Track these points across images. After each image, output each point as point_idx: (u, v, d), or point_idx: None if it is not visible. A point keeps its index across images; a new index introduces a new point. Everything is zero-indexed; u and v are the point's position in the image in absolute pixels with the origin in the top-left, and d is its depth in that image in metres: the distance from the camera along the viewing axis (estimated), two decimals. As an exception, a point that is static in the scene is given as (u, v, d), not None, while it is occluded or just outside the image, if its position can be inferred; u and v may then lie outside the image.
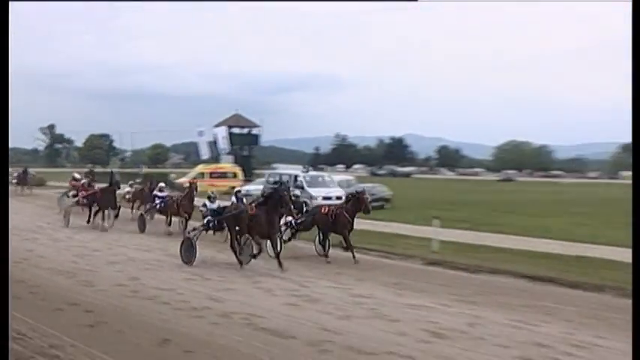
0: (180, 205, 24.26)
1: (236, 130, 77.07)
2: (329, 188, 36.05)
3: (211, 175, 49.91)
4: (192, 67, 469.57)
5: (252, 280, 14.86)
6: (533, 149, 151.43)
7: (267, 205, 16.42)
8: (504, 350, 9.39)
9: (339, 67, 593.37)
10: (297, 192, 23.41)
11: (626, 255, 15.82)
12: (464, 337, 10.06)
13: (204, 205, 19.53)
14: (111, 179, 26.46)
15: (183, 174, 55.18)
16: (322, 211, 18.87)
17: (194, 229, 18.05)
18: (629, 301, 13.13)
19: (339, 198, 30.89)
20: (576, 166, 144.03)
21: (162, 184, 27.21)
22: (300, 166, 76.72)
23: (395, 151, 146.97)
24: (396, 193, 40.65)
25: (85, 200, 26.65)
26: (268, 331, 10.08)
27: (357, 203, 18.43)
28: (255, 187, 40.61)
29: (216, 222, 17.88)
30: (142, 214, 25.69)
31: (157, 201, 25.49)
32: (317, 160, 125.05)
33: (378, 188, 38.66)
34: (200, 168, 55.99)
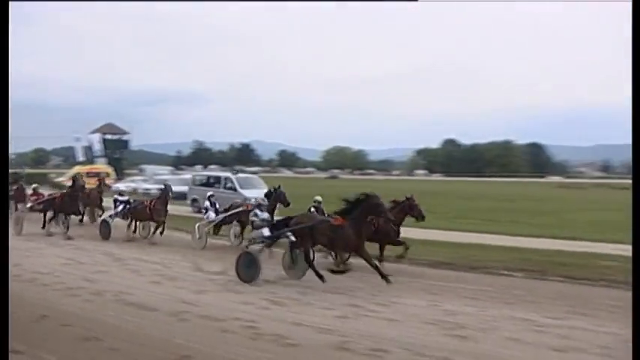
0: (154, 210, 18.60)
1: (109, 137, 76.60)
2: (261, 189, 27.98)
3: (87, 174, 47.53)
4: (71, 81, 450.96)
5: (122, 263, 14.36)
6: (353, 153, 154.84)
7: (355, 215, 11.66)
8: (327, 311, 9.51)
9: (198, 84, 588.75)
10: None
11: (416, 232, 16.32)
12: (296, 304, 10.13)
13: (255, 215, 13.32)
14: (74, 183, 20.84)
15: (63, 174, 52.93)
16: None
17: (252, 242, 12.92)
18: (422, 269, 13.62)
19: None
20: (385, 166, 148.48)
21: (122, 188, 21.67)
22: (167, 166, 75.44)
23: (243, 154, 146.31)
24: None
25: (40, 206, 20.87)
26: (135, 306, 9.74)
27: (406, 209, 13.88)
28: (126, 185, 39.18)
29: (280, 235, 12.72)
30: (104, 220, 19.48)
31: (120, 206, 19.54)
32: (179, 162, 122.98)
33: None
34: (77, 169, 53.84)
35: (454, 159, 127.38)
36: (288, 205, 15.94)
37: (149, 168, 63.59)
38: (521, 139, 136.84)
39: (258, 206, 13.67)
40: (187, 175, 44.28)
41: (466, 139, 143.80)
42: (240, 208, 17.11)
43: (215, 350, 7.40)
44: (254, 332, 8.19)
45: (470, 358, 7.18)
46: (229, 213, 17.47)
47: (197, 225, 17.60)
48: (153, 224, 18.70)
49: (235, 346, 7.57)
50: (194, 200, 29.42)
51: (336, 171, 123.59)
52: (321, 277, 11.72)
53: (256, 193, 27.02)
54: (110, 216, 19.49)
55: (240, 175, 31.67)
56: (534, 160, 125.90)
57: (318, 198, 15.80)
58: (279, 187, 16.35)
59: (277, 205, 15.96)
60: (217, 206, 18.23)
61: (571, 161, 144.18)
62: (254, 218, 13.24)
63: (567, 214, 29.94)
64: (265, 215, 13.37)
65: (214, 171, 46.98)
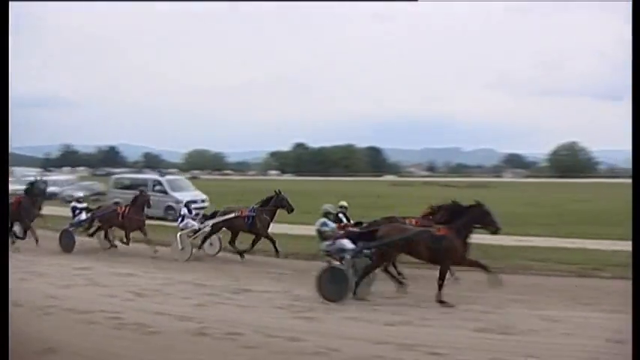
0: (127, 218, 15.19)
1: (-24, 140, 70.02)
2: (191, 192, 25.76)
3: None
4: None
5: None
6: (212, 155, 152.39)
7: (460, 224, 9.67)
8: (186, 301, 9.50)
9: (67, 88, 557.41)
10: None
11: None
12: (158, 294, 10.00)
13: (325, 224, 10.51)
14: (32, 187, 16.18)
15: None
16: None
17: (331, 256, 10.15)
18: (276, 260, 13.65)
19: (203, 201, 23.73)
20: (241, 167, 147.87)
21: (79, 194, 17.09)
22: (36, 168, 70.73)
23: (110, 157, 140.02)
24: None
25: None
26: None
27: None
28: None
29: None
30: (66, 230, 15.52)
31: (82, 215, 15.88)
32: (47, 164, 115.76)
33: (95, 185, 36.60)
34: None
35: (303, 160, 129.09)
36: (292, 210, 14.17)
37: (17, 170, 59.32)
38: (361, 143, 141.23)
39: (326, 214, 10.76)
40: (55, 177, 41.43)
41: (314, 143, 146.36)
42: (233, 214, 14.25)
43: (80, 341, 7.14)
44: (118, 322, 8.00)
45: (316, 336, 7.41)
46: (221, 219, 14.36)
47: (179, 234, 14.35)
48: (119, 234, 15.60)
49: (100, 337, 7.36)
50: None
51: (196, 172, 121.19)
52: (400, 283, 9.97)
53: (188, 195, 24.19)
54: (72, 225, 15.70)
55: (169, 176, 28.30)
56: (373, 161, 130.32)
57: (344, 203, 13.73)
58: (280, 191, 14.37)
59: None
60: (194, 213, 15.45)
61: (403, 162, 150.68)
62: (325, 228, 10.50)
63: (399, 209, 31.26)
64: (334, 225, 10.76)
65: (138, 173, 40.87)
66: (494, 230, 9.74)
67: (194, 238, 14.45)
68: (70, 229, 15.55)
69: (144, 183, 25.83)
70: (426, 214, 11.98)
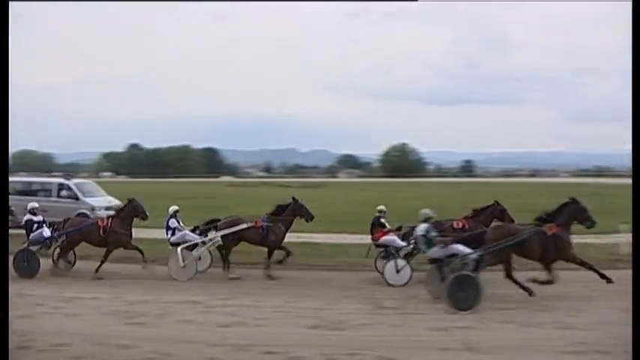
0: (112, 233, 12.21)
1: None
2: (104, 197, 21.66)
3: None
4: None
5: None
6: (40, 156, 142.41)
7: (562, 221, 9.67)
8: (40, 308, 9.06)
9: None
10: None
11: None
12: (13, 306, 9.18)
13: (429, 230, 9.99)
14: None
15: None
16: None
17: (456, 266, 9.46)
18: (110, 264, 12.78)
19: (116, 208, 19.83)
20: (72, 169, 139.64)
21: (34, 204, 12.86)
22: None
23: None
24: None
25: None
26: None
27: (495, 215, 12.08)
28: None
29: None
30: (26, 249, 12.00)
31: (45, 230, 12.46)
32: None
33: None
34: None
35: (138, 162, 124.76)
36: (312, 219, 12.63)
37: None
38: (197, 144, 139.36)
39: (426, 219, 10.15)
40: None
41: (148, 144, 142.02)
42: (245, 225, 12.20)
43: None
44: None
45: (147, 342, 7.22)
46: (232, 231, 12.19)
47: (180, 249, 11.99)
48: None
49: None
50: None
51: (22, 174, 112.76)
52: (528, 289, 9.55)
53: (102, 200, 20.97)
54: (33, 243, 12.25)
55: (76, 179, 23.19)
56: (209, 162, 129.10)
57: (382, 207, 12.43)
58: (297, 199, 12.73)
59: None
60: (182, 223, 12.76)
61: (240, 163, 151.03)
62: (432, 234, 9.91)
63: (235, 209, 31.26)
64: (435, 230, 10.16)
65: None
66: (591, 225, 9.86)
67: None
68: (32, 248, 12.19)
69: (46, 187, 21.69)
70: (469, 216, 12.19)
